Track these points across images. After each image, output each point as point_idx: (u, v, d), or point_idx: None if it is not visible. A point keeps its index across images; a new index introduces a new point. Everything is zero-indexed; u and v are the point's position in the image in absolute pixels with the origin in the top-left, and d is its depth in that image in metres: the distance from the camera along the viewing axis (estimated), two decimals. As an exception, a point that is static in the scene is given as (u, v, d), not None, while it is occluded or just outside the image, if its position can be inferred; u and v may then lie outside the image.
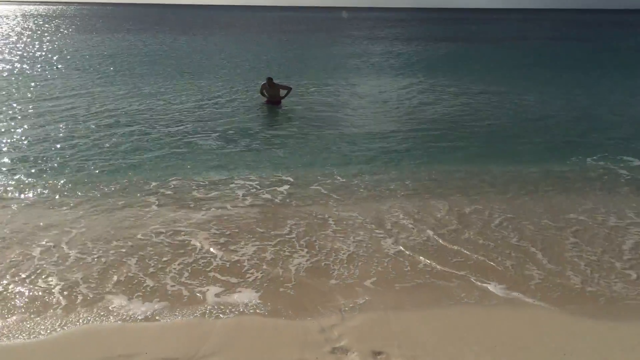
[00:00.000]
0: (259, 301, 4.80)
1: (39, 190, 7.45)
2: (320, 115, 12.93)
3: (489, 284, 5.13)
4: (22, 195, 7.25)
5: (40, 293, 4.93)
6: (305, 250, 5.84)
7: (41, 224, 6.32)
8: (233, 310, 4.67)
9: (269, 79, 14.10)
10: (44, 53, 25.54)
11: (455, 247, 5.92)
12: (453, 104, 14.49)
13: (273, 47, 34.74)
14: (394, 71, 21.68)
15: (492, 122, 12.34)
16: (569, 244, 6.06)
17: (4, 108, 12.76)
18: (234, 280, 5.16)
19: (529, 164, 8.81)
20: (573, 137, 10.93)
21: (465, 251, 5.83)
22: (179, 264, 5.43)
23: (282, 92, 13.97)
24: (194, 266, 5.41)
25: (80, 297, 4.84)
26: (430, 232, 6.31)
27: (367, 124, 11.97)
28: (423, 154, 9.60)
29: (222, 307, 4.71)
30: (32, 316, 4.57)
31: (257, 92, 14.47)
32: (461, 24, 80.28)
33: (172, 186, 7.65)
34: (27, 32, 43.96)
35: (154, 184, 7.75)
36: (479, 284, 5.15)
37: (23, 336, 4.31)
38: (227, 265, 5.44)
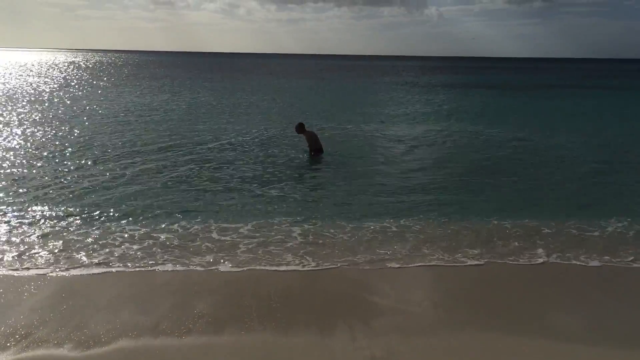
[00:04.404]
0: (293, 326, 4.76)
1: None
2: (365, 166, 12.50)
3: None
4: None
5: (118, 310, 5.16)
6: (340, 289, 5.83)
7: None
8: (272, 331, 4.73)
9: (300, 126, 12.80)
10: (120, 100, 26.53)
11: (488, 299, 5.80)
12: (492, 152, 14.37)
13: (310, 92, 35.89)
14: (430, 118, 21.84)
15: (533, 172, 12.00)
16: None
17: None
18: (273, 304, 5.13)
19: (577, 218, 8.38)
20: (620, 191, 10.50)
21: (505, 302, 5.68)
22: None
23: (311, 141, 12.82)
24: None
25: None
26: (460, 285, 6.22)
27: (409, 172, 11.79)
28: (466, 202, 9.34)
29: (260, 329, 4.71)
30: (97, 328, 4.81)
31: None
32: (492, 72, 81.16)
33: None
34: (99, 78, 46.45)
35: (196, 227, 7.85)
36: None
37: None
38: (265, 301, 5.42)
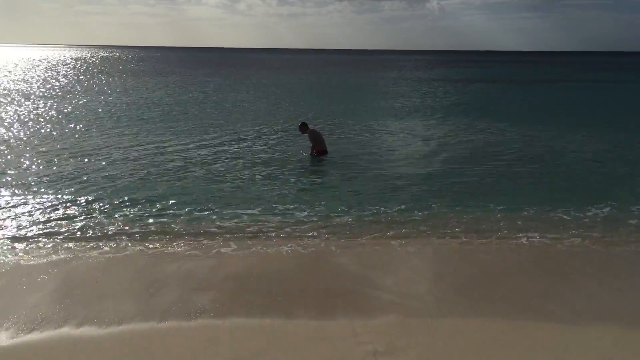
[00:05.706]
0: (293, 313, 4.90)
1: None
2: (366, 158, 12.33)
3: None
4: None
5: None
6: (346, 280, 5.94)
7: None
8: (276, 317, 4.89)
9: (303, 125, 12.33)
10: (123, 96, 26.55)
11: (491, 287, 5.95)
12: (492, 144, 14.34)
13: (312, 88, 35.92)
14: (431, 112, 21.71)
15: (532, 163, 11.95)
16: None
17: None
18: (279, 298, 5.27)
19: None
20: (613, 182, 10.35)
21: (502, 291, 5.82)
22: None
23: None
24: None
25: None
26: (463, 274, 6.37)
27: (411, 163, 11.83)
28: (466, 191, 9.39)
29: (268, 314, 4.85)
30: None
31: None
32: (494, 66, 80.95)
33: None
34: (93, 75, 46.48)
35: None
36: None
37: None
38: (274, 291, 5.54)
